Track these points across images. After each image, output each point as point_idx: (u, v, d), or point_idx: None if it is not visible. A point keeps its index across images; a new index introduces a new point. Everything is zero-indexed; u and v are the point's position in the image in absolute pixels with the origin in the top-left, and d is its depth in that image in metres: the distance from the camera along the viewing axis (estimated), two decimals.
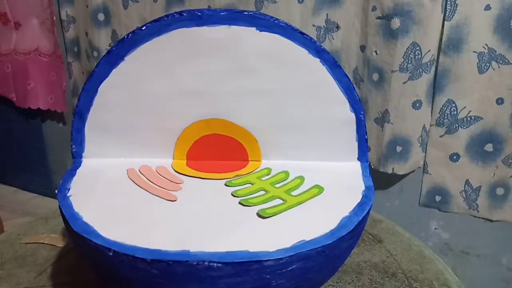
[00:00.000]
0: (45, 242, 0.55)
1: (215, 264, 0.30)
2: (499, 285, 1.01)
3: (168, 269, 0.30)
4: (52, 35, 1.29)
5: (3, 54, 1.30)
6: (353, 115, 0.43)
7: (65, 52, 1.33)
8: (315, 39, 0.95)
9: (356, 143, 0.44)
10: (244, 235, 0.33)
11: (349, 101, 0.43)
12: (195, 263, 0.29)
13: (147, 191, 0.40)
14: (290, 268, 0.31)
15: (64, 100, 1.36)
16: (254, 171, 0.44)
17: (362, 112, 0.43)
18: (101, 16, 1.18)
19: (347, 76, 0.42)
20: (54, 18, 1.28)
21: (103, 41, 1.20)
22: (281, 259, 0.30)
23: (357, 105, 0.43)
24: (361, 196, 0.39)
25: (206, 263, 0.30)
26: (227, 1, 1.01)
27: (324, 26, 0.96)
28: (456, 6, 0.84)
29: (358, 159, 0.45)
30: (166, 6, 1.09)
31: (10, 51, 1.30)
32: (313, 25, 0.97)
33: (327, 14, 0.95)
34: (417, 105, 0.90)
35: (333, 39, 0.97)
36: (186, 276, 0.30)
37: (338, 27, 0.95)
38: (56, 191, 0.38)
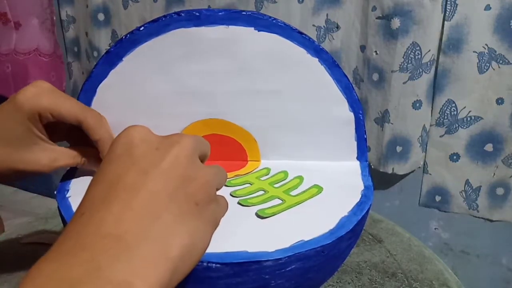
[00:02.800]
0: (45, 242, 0.55)
1: (214, 264, 0.29)
2: (499, 285, 1.01)
3: None
4: (52, 35, 1.29)
5: (3, 54, 1.30)
6: (352, 115, 0.43)
7: (65, 52, 1.33)
8: (315, 39, 0.95)
9: (355, 143, 0.44)
10: (243, 235, 0.33)
11: (348, 101, 0.43)
12: None
13: None
14: (289, 268, 0.31)
15: None
16: (253, 171, 0.44)
17: (361, 112, 0.43)
18: (101, 16, 1.18)
19: (346, 76, 0.42)
20: (54, 18, 1.28)
21: (103, 41, 1.20)
22: (280, 259, 0.30)
23: (356, 105, 0.43)
24: (360, 195, 0.39)
25: (205, 263, 0.29)
26: (227, 1, 1.01)
27: (324, 26, 0.96)
28: (456, 6, 0.84)
29: (357, 158, 0.45)
30: (166, 6, 1.09)
31: (10, 51, 1.30)
32: (313, 25, 0.97)
33: (327, 14, 0.95)
34: (417, 105, 0.90)
35: (333, 39, 0.97)
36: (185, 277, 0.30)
37: (338, 27, 0.95)
38: (55, 192, 0.38)
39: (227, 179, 0.42)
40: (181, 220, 0.23)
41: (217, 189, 0.29)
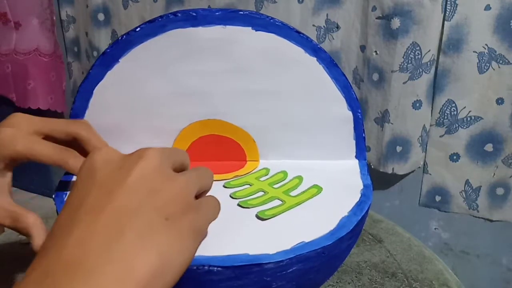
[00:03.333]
0: None
1: (215, 268, 0.29)
2: (499, 285, 1.01)
3: None
4: (52, 35, 1.29)
5: (3, 54, 1.30)
6: (350, 114, 0.43)
7: (65, 52, 1.33)
8: (315, 39, 0.95)
9: (354, 141, 0.44)
10: (244, 238, 0.33)
11: (346, 100, 0.43)
12: (195, 268, 0.29)
13: None
14: (290, 270, 0.31)
15: (64, 100, 1.36)
16: (252, 172, 0.44)
17: (359, 110, 0.43)
18: (101, 16, 1.18)
19: (344, 75, 0.42)
20: (54, 18, 1.28)
21: (103, 41, 1.20)
22: (281, 261, 0.30)
23: (354, 104, 0.43)
24: (359, 195, 0.39)
25: (206, 267, 0.29)
26: (226, 1, 1.01)
27: (324, 26, 0.96)
28: (456, 6, 0.84)
29: (356, 157, 0.45)
30: (166, 6, 1.09)
31: (10, 51, 1.30)
32: (313, 25, 0.97)
33: (327, 14, 0.95)
34: (417, 105, 0.90)
35: (333, 39, 0.97)
36: (186, 280, 0.30)
37: (338, 27, 0.95)
38: (53, 196, 0.38)
39: (227, 180, 0.42)
40: (148, 237, 0.22)
41: (205, 191, 0.28)
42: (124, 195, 0.23)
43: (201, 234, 0.26)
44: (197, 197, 0.27)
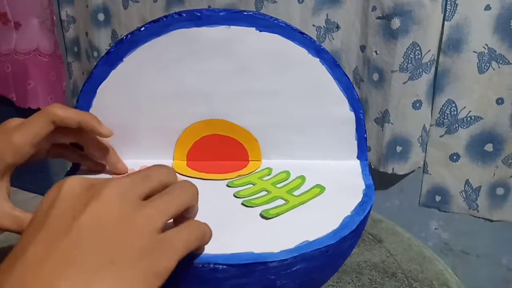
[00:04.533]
0: None
1: (220, 266, 0.30)
2: (499, 285, 1.01)
3: (172, 272, 0.30)
4: (52, 35, 1.29)
5: (3, 54, 1.30)
6: (352, 114, 0.44)
7: (65, 52, 1.33)
8: (315, 39, 0.95)
9: (356, 142, 0.45)
10: (248, 236, 0.33)
11: (348, 101, 0.43)
12: (200, 265, 0.30)
13: None
14: (294, 268, 0.31)
15: (64, 100, 1.36)
16: (255, 171, 0.44)
17: (361, 111, 0.44)
18: (101, 16, 1.18)
19: (346, 76, 0.43)
20: (54, 18, 1.28)
21: (103, 41, 1.20)
22: (285, 260, 0.31)
23: (357, 104, 0.43)
24: (362, 195, 0.39)
25: (211, 265, 0.30)
26: (227, 1, 1.01)
27: (324, 26, 0.97)
28: (456, 6, 0.84)
29: (358, 157, 0.45)
30: (166, 6, 1.09)
31: (10, 51, 1.29)
32: (313, 25, 0.97)
33: (327, 14, 0.95)
34: (417, 105, 0.90)
35: (333, 39, 0.97)
36: (191, 278, 0.30)
37: (338, 27, 0.95)
38: None
39: (230, 180, 0.42)
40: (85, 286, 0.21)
41: (190, 207, 0.27)
42: (68, 245, 0.22)
43: (161, 276, 0.24)
44: (182, 216, 0.27)
